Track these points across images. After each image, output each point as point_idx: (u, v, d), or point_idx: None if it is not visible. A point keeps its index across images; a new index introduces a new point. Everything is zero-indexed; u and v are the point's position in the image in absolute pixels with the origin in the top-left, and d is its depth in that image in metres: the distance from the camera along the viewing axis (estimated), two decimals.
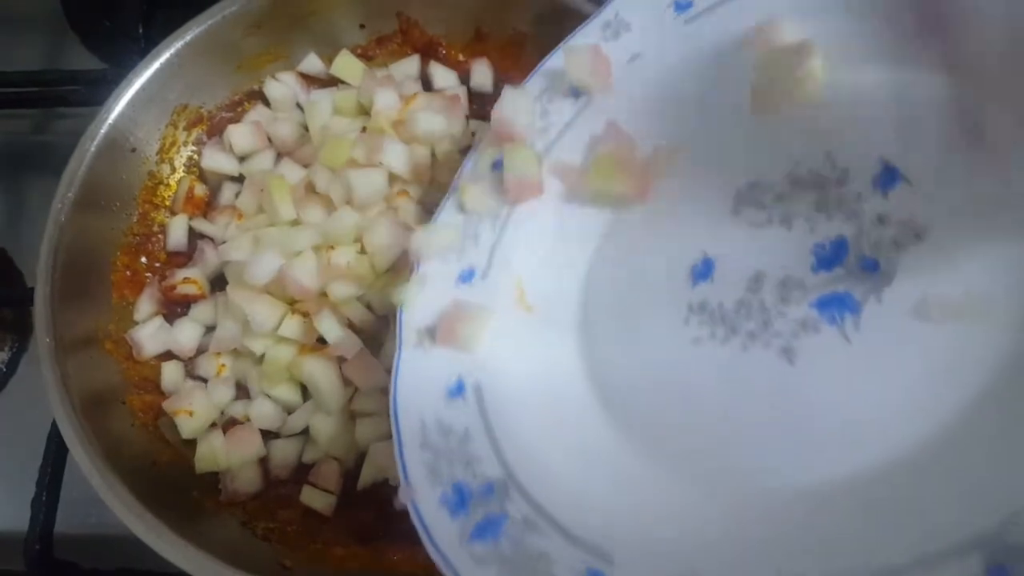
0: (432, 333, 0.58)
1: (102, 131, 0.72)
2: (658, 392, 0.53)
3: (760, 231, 0.53)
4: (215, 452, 0.67)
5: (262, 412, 0.68)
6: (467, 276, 0.61)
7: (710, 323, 0.52)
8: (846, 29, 0.53)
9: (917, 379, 0.43)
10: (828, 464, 0.44)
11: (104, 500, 0.59)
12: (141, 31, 0.84)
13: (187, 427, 0.68)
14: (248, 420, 0.69)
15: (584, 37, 0.62)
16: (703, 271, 0.55)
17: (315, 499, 0.66)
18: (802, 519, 0.43)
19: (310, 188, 0.73)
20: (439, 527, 0.48)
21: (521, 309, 0.60)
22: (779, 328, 0.49)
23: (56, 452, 0.68)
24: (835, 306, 0.48)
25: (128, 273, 0.75)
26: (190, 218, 0.78)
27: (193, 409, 0.68)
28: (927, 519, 0.39)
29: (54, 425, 0.67)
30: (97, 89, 0.79)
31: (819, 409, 0.46)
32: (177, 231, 0.77)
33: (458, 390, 0.56)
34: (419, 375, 0.56)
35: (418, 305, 0.59)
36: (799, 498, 0.44)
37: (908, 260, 0.46)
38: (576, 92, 0.63)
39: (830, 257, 0.49)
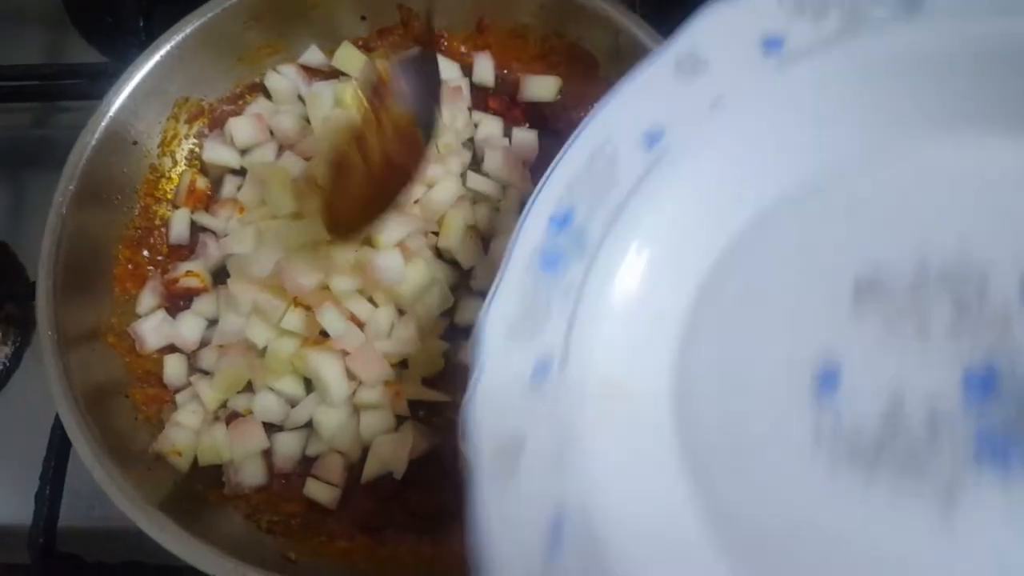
0: (514, 454, 0.46)
1: (103, 124, 0.72)
2: (786, 535, 0.44)
3: (891, 336, 0.44)
4: (218, 445, 0.67)
5: (265, 405, 0.68)
6: (542, 370, 0.48)
7: (848, 455, 0.43)
8: (993, 92, 0.46)
9: None
10: None
11: (107, 493, 0.59)
12: (141, 24, 0.84)
13: (181, 464, 0.67)
14: (250, 413, 0.68)
15: (655, 74, 0.52)
16: (827, 379, 0.45)
17: (319, 492, 0.66)
18: None
19: (312, 181, 0.73)
20: None
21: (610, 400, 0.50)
22: (935, 468, 0.41)
23: (59, 446, 0.68)
24: (999, 451, 0.40)
25: (130, 266, 0.75)
26: (192, 211, 0.78)
27: (180, 450, 0.67)
28: None
29: (57, 419, 0.67)
30: (98, 82, 0.79)
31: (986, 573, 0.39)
32: (179, 224, 0.77)
33: (557, 527, 0.44)
34: (507, 512, 0.44)
35: (487, 418, 0.46)
36: None
37: None
38: (650, 139, 0.53)
39: (982, 387, 0.41)
